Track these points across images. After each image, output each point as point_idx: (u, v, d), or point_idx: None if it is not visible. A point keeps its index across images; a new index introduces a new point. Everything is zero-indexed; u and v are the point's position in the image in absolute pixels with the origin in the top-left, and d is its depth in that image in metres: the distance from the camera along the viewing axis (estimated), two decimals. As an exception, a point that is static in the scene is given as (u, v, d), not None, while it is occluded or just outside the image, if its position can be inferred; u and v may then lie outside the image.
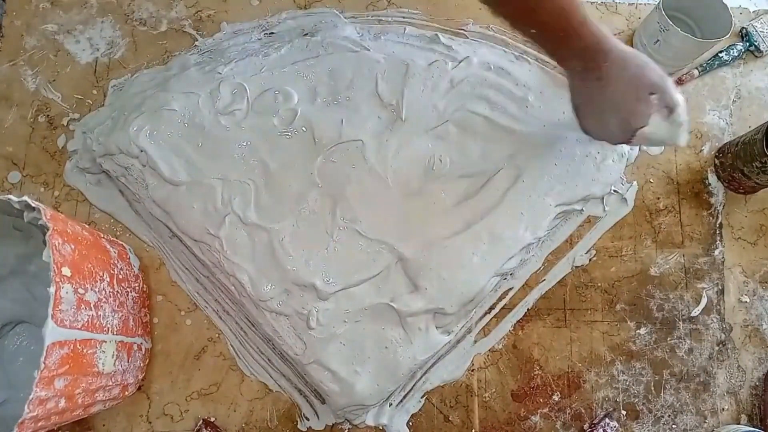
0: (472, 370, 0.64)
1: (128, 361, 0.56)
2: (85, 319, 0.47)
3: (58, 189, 0.67)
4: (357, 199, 0.61)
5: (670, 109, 0.52)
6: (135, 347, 0.57)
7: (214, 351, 0.64)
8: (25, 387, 0.41)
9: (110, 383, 0.52)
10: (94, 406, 0.51)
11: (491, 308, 0.66)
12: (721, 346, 0.66)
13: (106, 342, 0.51)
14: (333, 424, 0.62)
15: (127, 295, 0.57)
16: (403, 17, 0.74)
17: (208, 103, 0.64)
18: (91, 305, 0.49)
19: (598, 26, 0.53)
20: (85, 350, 0.47)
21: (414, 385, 0.63)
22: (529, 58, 0.71)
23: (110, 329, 0.52)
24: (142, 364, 0.60)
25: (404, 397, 0.63)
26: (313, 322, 0.58)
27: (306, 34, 0.71)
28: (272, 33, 0.73)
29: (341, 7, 0.74)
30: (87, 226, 0.56)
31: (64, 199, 0.67)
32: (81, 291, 0.47)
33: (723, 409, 0.65)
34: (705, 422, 0.64)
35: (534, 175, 0.64)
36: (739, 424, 0.64)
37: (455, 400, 0.64)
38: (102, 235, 0.57)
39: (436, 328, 0.60)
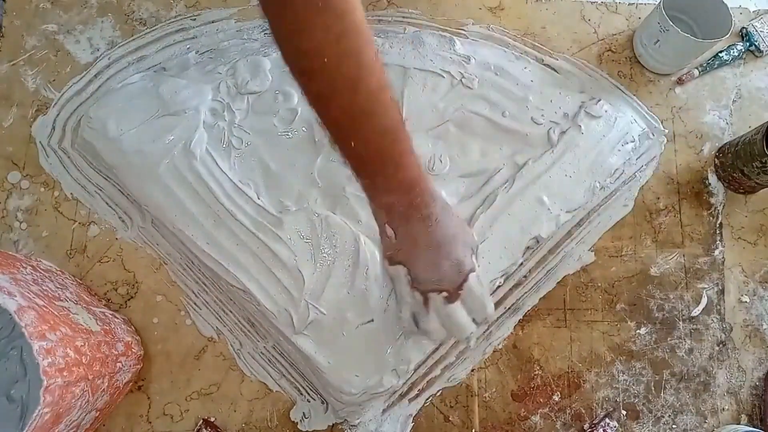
0: (472, 370, 0.64)
1: None
2: None
3: (58, 189, 0.67)
4: (357, 199, 0.61)
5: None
6: None
7: (214, 351, 0.64)
8: None
9: None
10: None
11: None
12: (721, 346, 0.66)
13: None
14: (333, 424, 0.62)
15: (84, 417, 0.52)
16: (403, 17, 0.74)
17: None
18: None
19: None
20: None
21: (410, 389, 0.63)
22: (529, 58, 0.71)
23: None
24: None
25: (401, 398, 0.63)
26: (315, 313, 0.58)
27: (306, 34, 0.71)
28: (272, 33, 0.73)
29: (341, 7, 0.74)
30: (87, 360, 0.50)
31: (64, 200, 0.67)
32: None
33: (723, 409, 0.65)
34: (705, 422, 0.64)
35: (534, 176, 0.64)
36: (739, 424, 0.64)
37: (455, 400, 0.64)
38: (101, 371, 0.51)
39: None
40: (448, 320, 0.49)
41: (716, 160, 0.71)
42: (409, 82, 0.65)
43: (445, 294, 0.48)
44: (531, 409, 0.64)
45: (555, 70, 0.72)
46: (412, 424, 0.63)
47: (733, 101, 0.73)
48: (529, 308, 0.66)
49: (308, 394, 0.63)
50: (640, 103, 0.72)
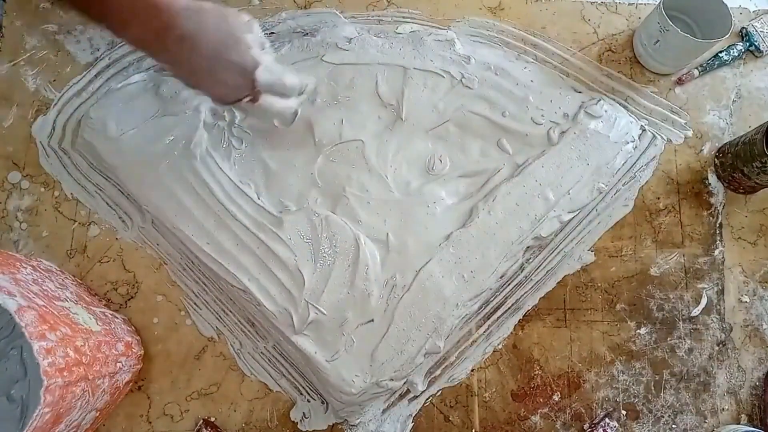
0: (472, 370, 0.64)
1: None
2: None
3: (58, 189, 0.67)
4: (357, 199, 0.62)
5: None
6: None
7: (214, 351, 0.64)
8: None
9: None
10: None
11: (492, 309, 0.65)
12: (721, 346, 0.66)
13: None
14: (333, 424, 0.62)
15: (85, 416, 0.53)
16: (403, 17, 0.74)
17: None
18: None
19: None
20: None
21: (409, 390, 0.63)
22: (528, 58, 0.71)
23: None
24: None
25: (401, 398, 0.63)
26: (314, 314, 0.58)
27: (306, 34, 0.71)
28: (272, 33, 0.73)
29: (341, 7, 0.74)
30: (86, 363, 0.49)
31: (64, 200, 0.67)
32: None
33: (723, 409, 0.65)
34: (705, 422, 0.64)
35: (534, 176, 0.64)
36: (739, 424, 0.64)
37: (455, 400, 0.64)
38: (99, 369, 0.51)
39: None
40: (268, 114, 0.54)
41: (716, 160, 0.71)
42: (409, 82, 0.65)
43: (247, 99, 0.52)
44: (531, 409, 0.64)
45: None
46: (412, 424, 0.63)
47: (733, 101, 0.73)
48: (529, 308, 0.66)
49: (308, 394, 0.63)
50: (640, 103, 0.72)
